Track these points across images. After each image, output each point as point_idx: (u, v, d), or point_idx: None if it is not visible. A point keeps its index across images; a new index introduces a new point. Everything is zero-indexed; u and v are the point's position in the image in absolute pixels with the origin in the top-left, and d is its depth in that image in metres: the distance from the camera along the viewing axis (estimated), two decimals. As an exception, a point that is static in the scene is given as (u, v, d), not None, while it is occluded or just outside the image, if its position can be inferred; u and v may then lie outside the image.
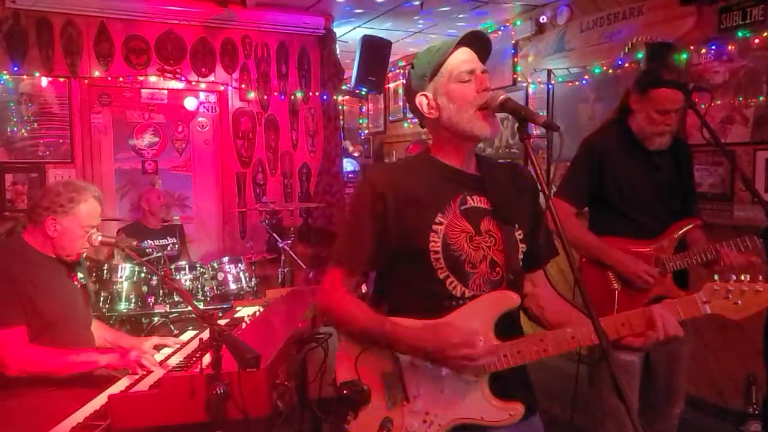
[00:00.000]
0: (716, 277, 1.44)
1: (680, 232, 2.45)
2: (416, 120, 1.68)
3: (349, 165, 7.67)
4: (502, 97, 1.51)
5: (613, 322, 1.48)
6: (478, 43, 1.59)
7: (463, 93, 1.53)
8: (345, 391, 1.49)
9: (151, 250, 4.30)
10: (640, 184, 2.48)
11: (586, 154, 2.57)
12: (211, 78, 5.52)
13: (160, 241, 4.63)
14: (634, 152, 2.49)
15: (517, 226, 1.60)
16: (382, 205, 1.55)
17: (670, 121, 2.40)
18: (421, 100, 1.59)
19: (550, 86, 5.17)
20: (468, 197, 1.58)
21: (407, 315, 1.53)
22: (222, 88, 5.60)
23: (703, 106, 2.36)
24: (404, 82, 1.71)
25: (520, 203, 1.64)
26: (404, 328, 1.48)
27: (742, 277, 1.43)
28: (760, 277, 1.43)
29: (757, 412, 2.80)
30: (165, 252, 4.20)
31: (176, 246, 4.65)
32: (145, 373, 2.16)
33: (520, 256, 1.61)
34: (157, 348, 2.48)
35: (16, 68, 4.82)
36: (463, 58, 1.55)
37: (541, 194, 1.55)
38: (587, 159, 2.55)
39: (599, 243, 2.46)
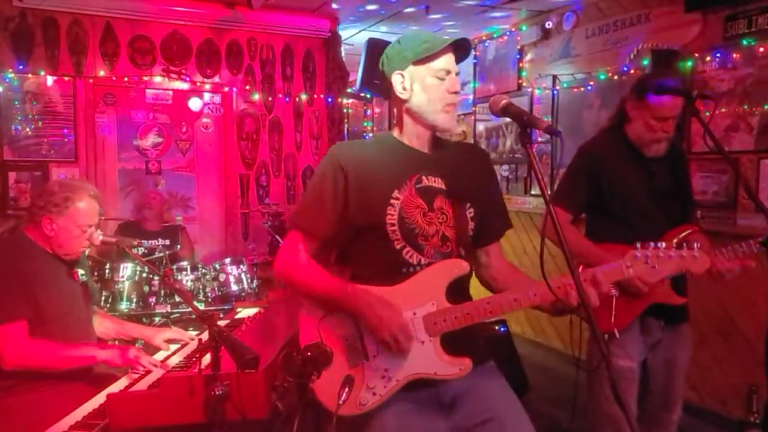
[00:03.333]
0: (638, 245, 1.61)
1: (677, 239, 2.44)
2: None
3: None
4: (504, 101, 1.53)
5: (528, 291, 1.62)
6: (462, 51, 1.73)
7: (436, 88, 1.68)
8: (309, 353, 1.57)
9: (144, 250, 4.29)
10: (636, 191, 2.47)
11: (582, 161, 2.57)
12: (216, 79, 5.54)
13: (152, 242, 4.60)
14: (630, 159, 2.48)
15: (468, 205, 1.73)
16: (343, 178, 1.68)
17: (667, 127, 2.39)
18: (396, 78, 1.71)
19: (555, 92, 5.17)
20: (423, 177, 1.72)
21: (369, 281, 1.67)
22: (227, 89, 5.62)
23: (707, 113, 2.35)
24: (385, 53, 1.74)
25: (473, 183, 1.77)
26: (357, 297, 1.61)
27: (660, 245, 1.60)
28: (674, 243, 1.65)
29: (758, 420, 2.79)
30: (157, 254, 4.18)
31: (173, 248, 4.62)
32: (144, 372, 2.16)
33: (470, 233, 1.74)
34: (170, 342, 2.47)
35: (21, 67, 4.84)
36: (445, 59, 1.69)
37: (534, 191, 1.60)
38: (583, 166, 2.55)
39: (596, 249, 2.45)
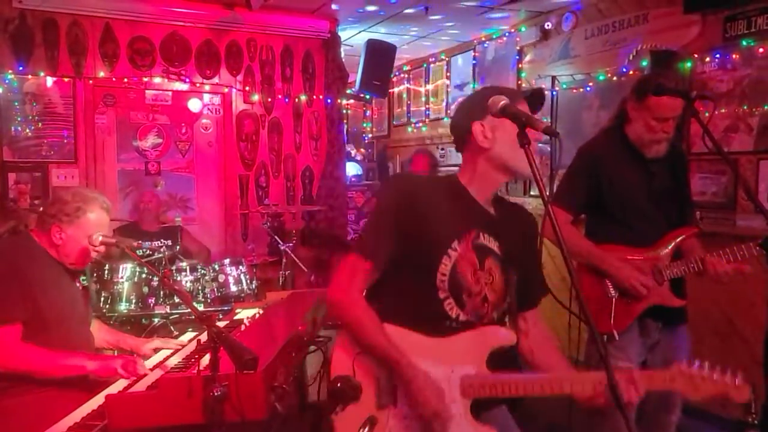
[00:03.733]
0: (686, 361, 1.59)
1: (677, 241, 2.45)
2: (455, 143, 1.78)
3: (352, 169, 7.68)
4: (502, 102, 1.52)
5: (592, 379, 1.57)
6: (537, 101, 1.74)
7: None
8: (339, 384, 1.56)
9: (148, 251, 4.29)
10: (636, 192, 2.47)
11: (582, 162, 2.57)
12: (216, 80, 5.54)
13: (153, 243, 4.61)
14: (630, 160, 2.48)
15: (513, 271, 1.73)
16: (406, 212, 1.65)
17: (668, 128, 2.39)
18: (476, 128, 1.67)
19: (554, 93, 5.17)
20: (481, 234, 1.71)
21: (402, 322, 1.65)
22: (226, 90, 5.62)
23: (707, 114, 2.35)
24: (461, 105, 1.75)
25: (521, 249, 1.76)
26: (407, 370, 1.59)
27: (706, 365, 1.58)
28: (718, 368, 1.59)
29: (756, 421, 2.79)
30: (158, 255, 4.18)
31: (174, 248, 4.62)
32: (135, 378, 2.15)
33: (508, 299, 1.74)
34: (157, 351, 2.47)
35: (21, 68, 4.84)
36: (523, 107, 1.64)
37: (533, 192, 1.61)
38: (583, 167, 2.55)
39: (596, 250, 2.45)
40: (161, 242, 4.60)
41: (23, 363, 2.14)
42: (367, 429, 1.54)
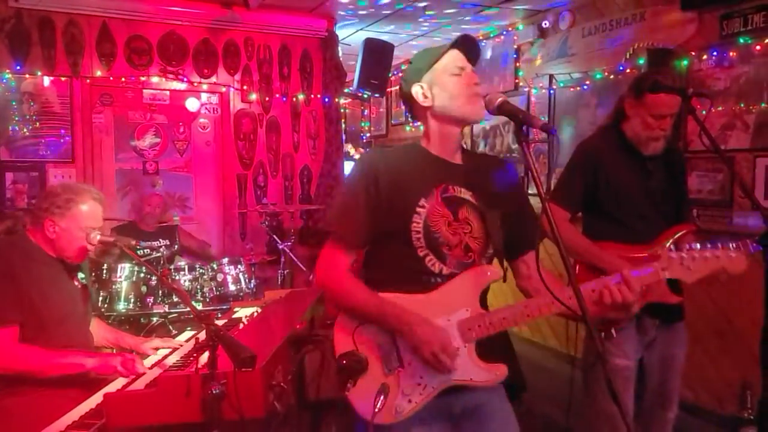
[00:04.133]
0: (672, 246, 1.54)
1: (674, 238, 2.45)
2: (408, 113, 1.85)
3: (350, 168, 7.67)
4: (500, 99, 1.53)
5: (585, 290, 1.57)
6: (469, 46, 1.76)
7: (455, 83, 1.71)
8: (344, 361, 1.59)
9: (146, 249, 4.30)
10: (632, 190, 2.48)
11: (579, 160, 2.57)
12: (213, 79, 5.53)
13: (151, 243, 4.61)
14: (627, 158, 2.49)
15: (493, 216, 1.73)
16: (374, 185, 1.69)
17: (665, 125, 2.40)
18: (416, 90, 1.74)
19: (551, 91, 5.17)
20: (450, 186, 1.73)
21: (389, 287, 1.68)
22: (224, 89, 5.61)
23: (704, 112, 2.36)
24: (402, 78, 1.79)
25: (499, 195, 1.77)
26: (397, 316, 1.62)
27: (696, 245, 1.59)
28: (708, 246, 1.61)
29: (752, 417, 2.80)
30: (157, 254, 4.19)
31: (171, 248, 4.63)
32: (134, 376, 2.15)
33: (493, 245, 1.75)
34: (157, 350, 2.47)
35: (18, 67, 4.83)
36: (455, 56, 1.74)
37: (531, 190, 1.61)
38: (581, 164, 2.55)
39: (593, 247, 2.46)
40: (159, 242, 4.60)
41: (21, 363, 2.14)
42: (382, 397, 1.55)
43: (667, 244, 2.45)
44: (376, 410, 1.52)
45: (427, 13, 5.24)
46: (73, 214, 2.29)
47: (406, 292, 1.66)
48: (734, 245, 1.62)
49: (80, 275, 2.48)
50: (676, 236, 2.47)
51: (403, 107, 7.43)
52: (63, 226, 2.28)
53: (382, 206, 1.68)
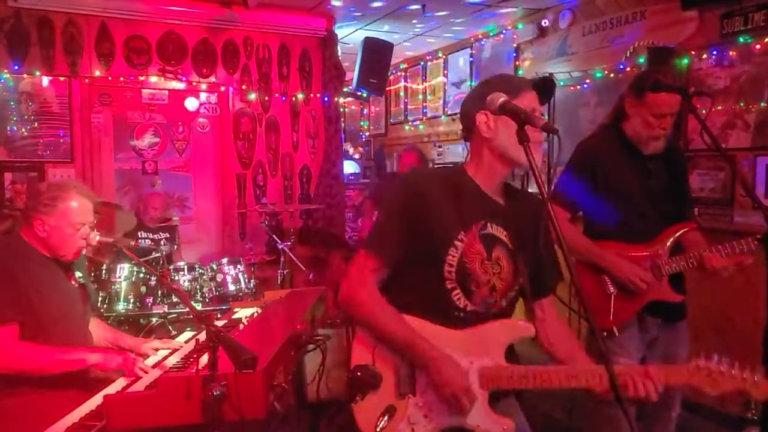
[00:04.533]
0: (703, 356, 1.57)
1: (675, 236, 2.45)
2: (462, 132, 1.80)
3: (349, 167, 7.67)
4: (501, 99, 1.52)
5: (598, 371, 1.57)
6: (546, 90, 1.72)
7: None
8: (359, 373, 1.59)
9: (147, 241, 4.30)
10: (633, 189, 2.47)
11: (580, 160, 2.56)
12: (212, 79, 5.53)
13: (154, 235, 4.63)
14: (628, 157, 2.48)
15: (523, 260, 1.73)
16: (415, 207, 1.67)
17: (665, 124, 2.39)
18: (481, 118, 1.68)
19: (551, 90, 5.16)
20: (489, 224, 1.72)
21: (408, 311, 1.66)
22: (223, 88, 5.61)
23: (704, 111, 2.35)
24: (469, 95, 1.77)
25: (532, 238, 1.74)
26: (425, 352, 1.60)
27: (725, 360, 1.57)
28: (737, 364, 1.57)
29: (756, 417, 2.79)
30: (156, 254, 4.19)
31: (170, 243, 4.63)
32: (135, 377, 2.14)
33: (517, 287, 1.75)
34: (156, 351, 2.46)
35: (16, 67, 4.82)
36: (530, 97, 1.66)
37: (532, 190, 1.59)
38: (581, 163, 2.54)
39: (594, 247, 2.45)
40: (160, 235, 4.62)
41: (22, 362, 2.13)
42: (386, 418, 1.55)
43: (668, 244, 2.45)
44: (377, 430, 1.52)
45: (426, 12, 5.23)
46: (61, 211, 2.28)
47: (432, 323, 1.66)
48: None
49: (78, 274, 2.47)
50: (677, 235, 2.46)
51: (402, 106, 7.41)
52: (52, 224, 2.27)
53: (420, 231, 1.66)
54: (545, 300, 1.84)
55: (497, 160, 1.70)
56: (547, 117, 5.05)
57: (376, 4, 5.17)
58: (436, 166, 6.08)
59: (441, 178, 1.77)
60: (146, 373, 2.13)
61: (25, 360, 2.14)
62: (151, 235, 4.61)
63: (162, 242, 4.32)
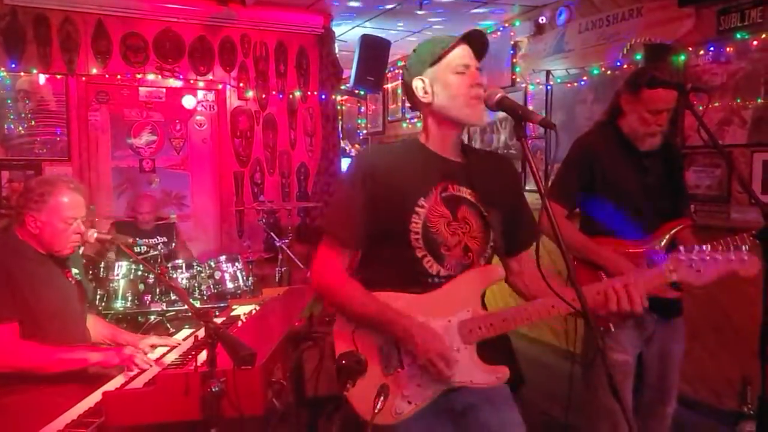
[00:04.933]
0: (681, 248, 1.53)
1: (671, 233, 2.45)
2: (409, 105, 1.81)
3: (347, 165, 7.65)
4: (499, 95, 1.53)
5: (590, 293, 1.55)
6: (478, 42, 1.71)
7: (457, 83, 1.65)
8: (344, 362, 1.58)
9: (143, 248, 4.30)
10: (629, 186, 2.47)
11: (576, 156, 2.57)
12: (210, 76, 5.52)
13: (150, 240, 4.62)
14: (624, 153, 2.48)
15: (492, 216, 1.71)
16: (371, 183, 1.65)
17: (661, 121, 2.39)
18: (417, 84, 1.69)
19: (548, 87, 5.17)
20: (449, 185, 1.69)
21: (386, 288, 1.65)
22: (220, 86, 5.60)
23: (701, 108, 2.35)
24: (405, 65, 1.74)
25: (499, 194, 1.74)
26: (398, 322, 1.59)
27: (705, 247, 1.53)
28: (720, 248, 1.57)
29: (752, 412, 2.81)
30: (154, 252, 4.19)
31: (168, 246, 4.63)
32: (139, 370, 2.15)
33: (491, 244, 1.73)
34: (155, 347, 2.47)
35: (13, 65, 4.81)
36: (462, 53, 1.67)
37: (529, 186, 1.59)
38: (577, 160, 2.55)
39: (591, 243, 2.46)
40: (157, 239, 4.61)
41: (24, 360, 2.13)
42: (382, 398, 1.54)
43: (664, 241, 2.45)
44: (376, 411, 1.51)
45: (424, 9, 5.23)
46: (51, 206, 2.27)
47: (406, 293, 1.64)
48: (745, 246, 1.56)
49: (74, 271, 2.47)
50: (673, 231, 2.47)
51: (400, 103, 7.42)
52: (44, 219, 2.27)
53: (380, 205, 1.64)
54: (522, 254, 1.82)
55: (443, 122, 1.69)
56: (543, 113, 5.06)
57: (371, 2, 5.17)
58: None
59: (394, 150, 1.79)
60: (149, 366, 2.14)
61: (27, 359, 2.14)
62: (148, 241, 4.59)
63: (159, 246, 4.31)
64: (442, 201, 1.67)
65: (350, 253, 1.72)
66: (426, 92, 1.68)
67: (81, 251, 2.50)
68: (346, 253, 1.71)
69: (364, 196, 1.65)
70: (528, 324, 1.62)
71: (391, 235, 1.66)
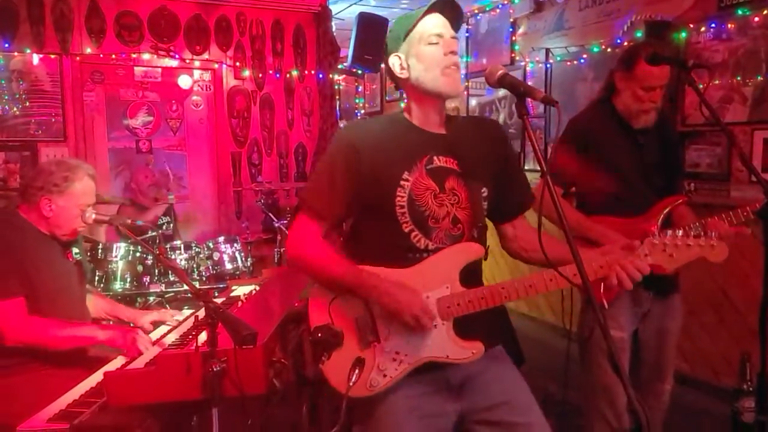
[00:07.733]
0: (656, 231, 1.55)
1: (667, 210, 2.45)
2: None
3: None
4: (500, 71, 1.50)
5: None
6: (450, 10, 1.67)
7: (431, 54, 1.63)
8: (319, 334, 1.57)
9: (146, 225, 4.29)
10: (625, 164, 2.47)
11: (572, 134, 2.56)
12: (206, 56, 5.46)
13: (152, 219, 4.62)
14: (619, 132, 2.47)
15: (482, 184, 1.70)
16: (354, 158, 1.64)
17: (655, 97, 2.38)
18: (393, 61, 1.68)
19: (548, 65, 5.13)
20: (434, 157, 1.68)
21: (373, 263, 1.63)
22: (216, 66, 5.55)
23: (701, 85, 2.33)
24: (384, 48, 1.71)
25: (487, 160, 1.73)
26: (374, 284, 1.58)
27: (678, 232, 1.58)
28: (692, 233, 1.63)
29: (751, 389, 2.82)
30: (160, 231, 4.19)
31: (170, 225, 4.63)
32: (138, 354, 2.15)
33: (483, 213, 1.71)
34: (155, 324, 2.47)
35: (6, 45, 4.75)
36: (434, 22, 1.65)
37: (528, 166, 1.57)
38: (573, 139, 2.54)
39: (587, 221, 2.46)
40: (164, 219, 4.61)
41: (35, 336, 2.13)
42: (357, 371, 1.55)
43: (660, 217, 2.45)
44: (351, 384, 1.52)
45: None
46: (71, 192, 2.28)
47: (391, 267, 1.62)
48: (713, 233, 1.60)
49: (74, 250, 2.47)
50: (668, 208, 2.46)
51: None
52: (61, 204, 2.27)
53: (364, 180, 1.63)
54: (516, 220, 1.81)
55: (422, 96, 1.68)
56: (544, 91, 5.02)
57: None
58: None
59: (377, 125, 1.76)
60: (147, 348, 2.14)
61: (36, 334, 2.14)
62: (154, 218, 4.59)
63: (164, 226, 4.31)
64: (427, 173, 1.66)
65: (326, 225, 1.70)
66: (402, 68, 1.67)
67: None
68: (322, 224, 1.69)
69: (344, 169, 1.64)
70: (506, 302, 1.62)
71: (377, 210, 1.65)
